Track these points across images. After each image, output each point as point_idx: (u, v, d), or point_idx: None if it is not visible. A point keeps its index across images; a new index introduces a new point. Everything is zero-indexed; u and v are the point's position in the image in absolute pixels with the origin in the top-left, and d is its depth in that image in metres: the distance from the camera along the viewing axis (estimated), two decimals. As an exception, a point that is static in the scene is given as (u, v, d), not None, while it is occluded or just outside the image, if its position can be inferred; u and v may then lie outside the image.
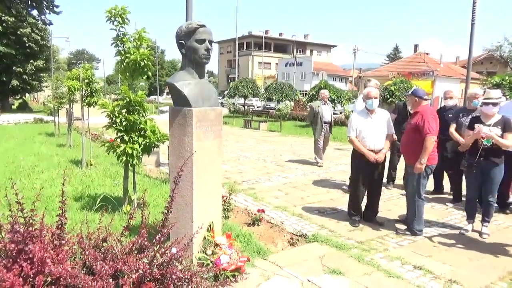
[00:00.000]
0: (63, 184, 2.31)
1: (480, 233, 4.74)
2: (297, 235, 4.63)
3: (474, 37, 15.99)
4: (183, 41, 3.39)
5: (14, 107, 31.53)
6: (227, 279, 3.24)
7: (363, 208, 5.20)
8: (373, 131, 4.92)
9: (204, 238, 3.57)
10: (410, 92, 5.17)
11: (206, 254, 3.50)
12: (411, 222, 4.76)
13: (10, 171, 7.35)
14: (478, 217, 4.95)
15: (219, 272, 3.33)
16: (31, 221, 2.25)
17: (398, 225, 5.03)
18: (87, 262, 2.24)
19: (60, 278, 2.02)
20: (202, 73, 3.53)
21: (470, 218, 4.90)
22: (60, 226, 2.33)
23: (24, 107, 31.15)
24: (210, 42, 3.45)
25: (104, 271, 2.00)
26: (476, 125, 4.58)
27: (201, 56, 3.39)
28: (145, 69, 4.83)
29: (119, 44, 4.76)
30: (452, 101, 6.26)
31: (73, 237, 2.43)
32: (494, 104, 4.53)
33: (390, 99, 16.86)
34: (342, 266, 3.78)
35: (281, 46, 69.63)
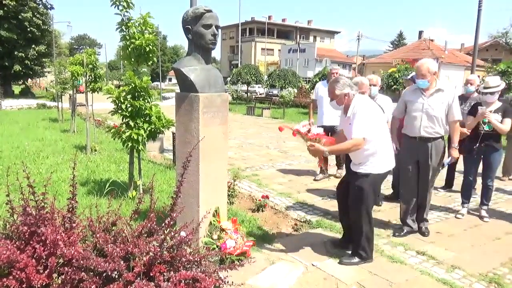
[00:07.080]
0: (73, 168, 2.34)
1: (481, 217, 4.87)
2: (301, 221, 4.67)
3: (480, 23, 15.83)
4: (189, 26, 3.38)
5: (16, 92, 31.48)
6: (233, 263, 3.28)
7: None
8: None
9: (210, 223, 3.61)
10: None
11: (212, 238, 3.55)
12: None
13: (16, 156, 7.40)
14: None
15: (225, 256, 3.38)
16: (42, 204, 2.29)
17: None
18: (97, 245, 2.28)
19: (73, 259, 2.06)
20: (208, 58, 3.53)
21: (466, 202, 5.02)
22: (70, 210, 2.37)
23: (26, 93, 31.10)
24: (217, 27, 3.43)
25: (116, 253, 2.04)
26: (479, 107, 4.63)
27: (208, 41, 3.37)
28: (150, 55, 4.81)
29: (124, 29, 4.73)
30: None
31: (83, 220, 2.47)
32: (492, 93, 4.62)
33: (394, 86, 16.78)
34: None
35: (284, 32, 68.89)
